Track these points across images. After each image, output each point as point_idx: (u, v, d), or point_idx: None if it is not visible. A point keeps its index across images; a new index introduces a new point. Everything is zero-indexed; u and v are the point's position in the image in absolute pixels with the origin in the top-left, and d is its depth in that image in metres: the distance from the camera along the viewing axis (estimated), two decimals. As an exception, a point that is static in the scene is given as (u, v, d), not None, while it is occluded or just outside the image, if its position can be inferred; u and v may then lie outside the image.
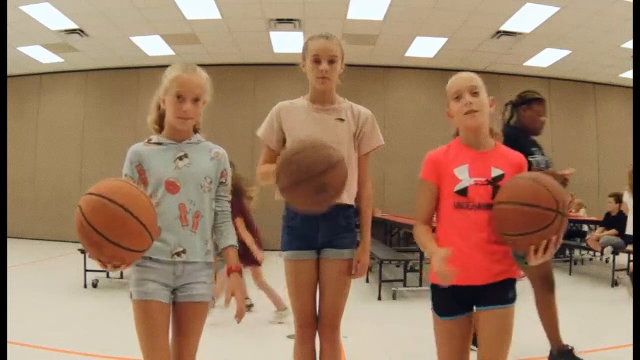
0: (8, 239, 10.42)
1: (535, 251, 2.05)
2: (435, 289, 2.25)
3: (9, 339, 3.60)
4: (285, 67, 11.71)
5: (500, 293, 2.18)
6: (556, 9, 8.65)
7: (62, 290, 6.81)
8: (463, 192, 2.21)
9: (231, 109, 11.91)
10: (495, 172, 2.23)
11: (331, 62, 2.63)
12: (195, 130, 2.43)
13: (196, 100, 2.30)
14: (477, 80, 2.33)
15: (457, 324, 2.24)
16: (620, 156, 11.89)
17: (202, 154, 2.38)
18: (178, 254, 2.25)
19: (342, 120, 2.70)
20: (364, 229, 2.77)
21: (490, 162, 2.25)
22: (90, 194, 1.94)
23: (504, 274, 2.20)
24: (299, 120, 2.70)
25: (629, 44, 10.01)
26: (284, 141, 2.71)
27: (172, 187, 2.27)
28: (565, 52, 10.96)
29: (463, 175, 2.22)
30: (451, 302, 2.22)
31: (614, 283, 7.43)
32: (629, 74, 12.18)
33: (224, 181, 2.43)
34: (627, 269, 7.28)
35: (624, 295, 6.39)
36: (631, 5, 7.71)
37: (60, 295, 6.46)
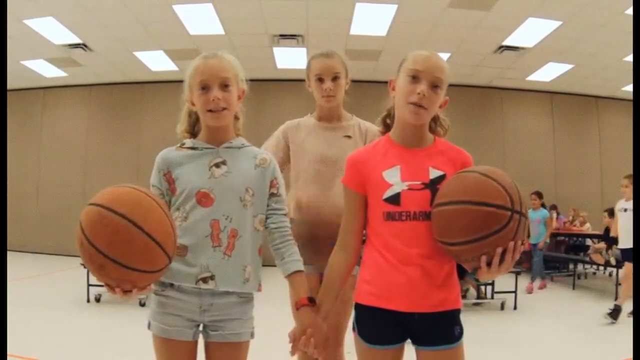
0: (11, 253, 10.43)
1: (489, 263, 1.62)
2: (361, 309, 1.82)
3: (9, 352, 3.58)
4: (288, 82, 11.81)
5: (446, 329, 1.77)
6: (558, 23, 8.68)
7: (64, 304, 6.79)
8: (394, 199, 1.77)
9: (234, 123, 11.91)
10: (434, 173, 1.79)
11: (335, 79, 2.60)
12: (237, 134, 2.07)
13: (225, 86, 1.92)
14: (445, 71, 1.83)
15: (389, 355, 1.81)
16: (624, 169, 11.80)
17: (245, 160, 1.99)
18: (204, 280, 1.84)
19: (349, 137, 2.67)
20: None
21: (427, 162, 1.82)
22: (91, 204, 1.63)
23: (448, 304, 1.77)
24: (306, 138, 2.67)
25: (631, 58, 10.03)
26: (288, 158, 2.71)
27: (204, 200, 1.88)
28: (567, 67, 10.98)
29: (394, 179, 1.79)
30: (381, 327, 1.79)
31: (617, 297, 7.38)
32: (631, 87, 12.18)
33: (275, 192, 2.03)
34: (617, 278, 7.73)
35: (628, 309, 6.35)
36: (631, 19, 7.73)
37: (62, 310, 6.44)
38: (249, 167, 1.98)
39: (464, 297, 7.26)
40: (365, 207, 1.88)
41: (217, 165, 1.93)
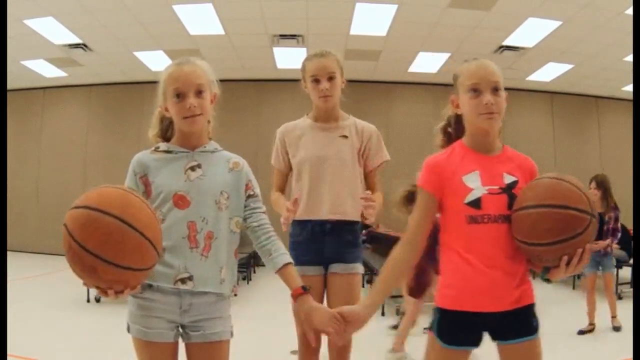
0: (11, 253, 10.42)
1: (568, 263, 1.73)
2: (443, 313, 1.90)
3: (9, 352, 3.58)
4: (288, 82, 11.74)
5: (525, 322, 1.86)
6: (558, 23, 8.68)
7: (64, 304, 6.79)
8: (476, 203, 1.85)
9: (234, 124, 11.92)
10: (508, 178, 1.89)
11: (330, 79, 2.63)
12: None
13: (200, 92, 1.95)
14: (498, 73, 1.95)
15: (462, 356, 1.89)
16: (624, 170, 11.85)
17: (218, 164, 2.03)
18: (183, 280, 1.87)
19: (345, 137, 2.70)
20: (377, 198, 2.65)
21: (501, 168, 1.92)
22: (77, 207, 1.62)
23: (525, 299, 1.86)
24: (302, 140, 2.73)
25: (631, 58, 10.03)
26: (289, 161, 2.80)
27: (181, 202, 1.91)
28: (567, 67, 10.98)
29: (474, 184, 1.87)
30: (460, 330, 1.87)
31: (618, 297, 7.39)
32: (631, 87, 12.18)
33: (252, 193, 2.08)
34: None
35: (629, 309, 6.35)
36: (631, 19, 7.73)
37: (62, 310, 6.44)
38: (222, 171, 2.03)
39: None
40: (433, 212, 1.97)
41: (192, 168, 1.97)
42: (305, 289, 1.97)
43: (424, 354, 1.95)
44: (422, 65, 11.26)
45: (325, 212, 2.65)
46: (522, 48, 10.00)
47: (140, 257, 1.61)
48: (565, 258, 1.72)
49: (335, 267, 2.67)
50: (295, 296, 1.96)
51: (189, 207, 1.91)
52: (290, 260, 2.03)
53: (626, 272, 7.74)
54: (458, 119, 2.07)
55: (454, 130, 2.09)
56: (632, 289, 6.89)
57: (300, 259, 2.57)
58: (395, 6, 8.35)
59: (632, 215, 7.53)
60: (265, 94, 12.20)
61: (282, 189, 2.85)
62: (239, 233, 2.04)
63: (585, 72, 11.28)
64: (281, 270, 2.00)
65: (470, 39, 9.64)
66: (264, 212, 2.09)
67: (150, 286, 1.87)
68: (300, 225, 2.70)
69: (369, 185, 2.78)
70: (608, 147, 13.18)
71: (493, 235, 1.83)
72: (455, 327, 1.86)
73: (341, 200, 2.66)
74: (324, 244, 2.65)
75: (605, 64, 10.66)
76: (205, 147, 2.04)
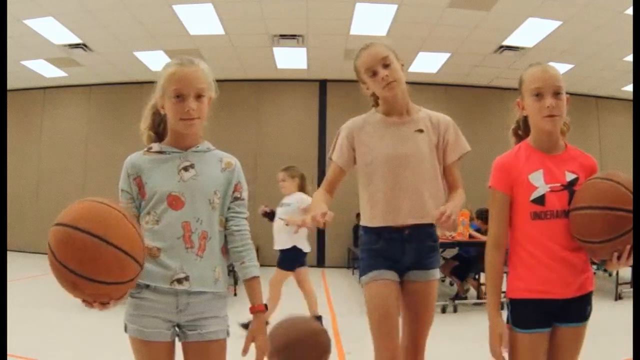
0: (10, 253, 10.42)
1: (619, 257, 1.91)
2: (514, 303, 2.09)
3: (9, 352, 3.58)
4: (288, 82, 11.78)
5: (581, 309, 2.08)
6: (558, 23, 8.68)
7: (64, 305, 6.77)
8: (540, 200, 2.03)
9: (234, 124, 11.92)
10: (570, 176, 2.06)
11: (386, 66, 2.40)
12: None
13: (199, 96, 1.95)
14: (561, 79, 2.08)
15: (537, 337, 2.06)
16: (624, 170, 11.71)
17: (211, 164, 2.03)
18: (179, 280, 1.88)
19: (421, 131, 2.46)
20: (455, 199, 2.43)
21: (564, 166, 2.08)
22: (57, 224, 1.66)
23: (585, 288, 2.06)
24: (375, 137, 2.47)
25: (631, 58, 10.04)
26: (354, 160, 2.52)
27: (175, 203, 1.91)
28: (567, 67, 10.97)
29: (539, 182, 2.04)
30: (531, 315, 2.05)
31: (618, 297, 7.39)
32: (631, 87, 12.18)
33: (239, 196, 2.07)
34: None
35: (628, 309, 6.35)
36: (631, 19, 7.73)
37: (62, 310, 6.44)
38: (215, 171, 2.03)
39: (464, 297, 7.26)
40: (510, 209, 2.12)
41: (185, 168, 1.97)
42: (266, 308, 2.04)
43: (508, 348, 2.10)
44: (422, 65, 11.24)
45: (404, 217, 2.41)
46: (522, 48, 9.99)
47: (119, 271, 1.61)
48: (616, 253, 1.90)
49: (414, 275, 2.45)
50: (254, 312, 2.00)
51: (184, 208, 1.92)
52: (259, 274, 2.05)
53: (626, 272, 7.73)
54: (526, 120, 2.21)
55: (524, 131, 2.25)
56: (632, 289, 6.88)
57: (377, 264, 2.42)
58: (395, 6, 8.35)
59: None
60: (265, 94, 12.18)
61: (332, 189, 2.54)
62: (223, 231, 2.06)
63: (585, 72, 11.27)
64: (249, 282, 2.03)
65: (471, 39, 9.65)
66: (245, 218, 2.10)
67: (147, 286, 1.88)
68: (376, 232, 2.45)
69: (448, 182, 2.52)
70: (608, 147, 13.16)
71: (556, 229, 2.01)
72: (529, 313, 2.04)
73: (422, 203, 2.41)
74: (403, 251, 2.42)
75: (605, 64, 10.66)
76: (198, 147, 2.04)
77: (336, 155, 2.53)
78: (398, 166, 2.42)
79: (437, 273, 2.51)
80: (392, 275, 2.42)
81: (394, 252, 2.41)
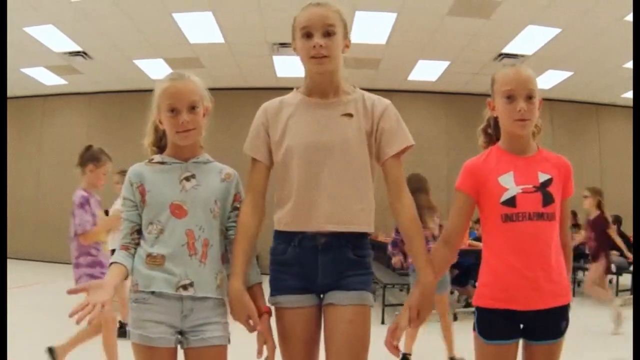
0: (11, 260, 10.39)
1: None
2: (480, 311, 2.01)
3: (9, 359, 3.57)
4: (288, 91, 11.68)
5: (554, 325, 1.96)
6: (557, 30, 8.70)
7: (65, 313, 6.76)
8: (511, 201, 1.95)
9: (234, 133, 11.84)
10: (543, 177, 1.99)
11: (328, 34, 1.93)
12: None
13: (193, 108, 1.99)
14: (534, 82, 2.01)
15: (504, 349, 1.96)
16: (624, 177, 11.85)
17: (211, 175, 2.09)
18: (184, 287, 1.92)
19: (349, 115, 2.01)
20: (419, 261, 1.93)
21: (536, 167, 2.02)
22: None
23: (559, 299, 1.94)
24: (291, 121, 2.04)
25: (631, 64, 10.05)
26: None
27: (178, 211, 1.97)
28: (567, 74, 11.00)
29: (509, 184, 1.98)
30: (498, 326, 1.96)
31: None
32: (631, 94, 12.19)
33: (238, 206, 2.09)
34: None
35: (627, 316, 6.33)
36: (631, 26, 7.75)
37: (62, 319, 6.42)
38: (215, 181, 2.09)
39: (465, 305, 7.24)
40: (470, 212, 2.08)
41: (187, 178, 2.04)
42: (270, 312, 2.04)
43: (474, 353, 2.04)
44: (421, 74, 11.28)
45: (319, 222, 1.95)
46: (522, 56, 10.00)
47: None
48: None
49: (332, 297, 1.96)
50: (260, 315, 1.98)
51: (187, 216, 1.98)
52: (261, 280, 2.08)
53: (626, 280, 7.71)
54: (496, 120, 2.15)
55: (494, 131, 2.19)
56: (631, 296, 6.86)
57: (284, 284, 2.00)
58: (395, 14, 8.37)
59: (631, 223, 7.52)
60: (265, 102, 12.16)
61: (263, 190, 2.09)
62: (224, 240, 2.10)
63: (585, 79, 11.29)
64: (250, 289, 2.03)
65: (470, 47, 9.66)
66: None
67: (152, 293, 1.93)
68: (284, 239, 2.02)
69: (387, 184, 2.01)
70: (608, 154, 13.17)
71: (529, 232, 1.93)
72: (493, 324, 1.97)
73: (344, 204, 1.95)
74: (317, 265, 1.96)
75: (604, 70, 10.68)
76: (198, 158, 2.11)
77: (250, 146, 2.12)
78: (316, 157, 1.97)
79: (366, 297, 1.97)
80: (303, 300, 1.98)
81: (304, 266, 1.97)
